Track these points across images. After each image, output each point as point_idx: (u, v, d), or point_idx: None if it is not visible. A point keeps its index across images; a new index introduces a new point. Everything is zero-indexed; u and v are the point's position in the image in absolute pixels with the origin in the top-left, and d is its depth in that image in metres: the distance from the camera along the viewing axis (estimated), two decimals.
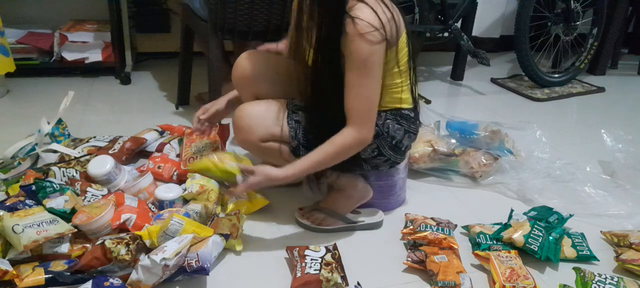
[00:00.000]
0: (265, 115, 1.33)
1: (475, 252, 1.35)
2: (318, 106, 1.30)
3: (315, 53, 1.24)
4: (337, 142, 1.22)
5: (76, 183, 1.42)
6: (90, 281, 1.07)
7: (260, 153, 1.41)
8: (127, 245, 1.14)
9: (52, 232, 1.15)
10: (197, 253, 1.17)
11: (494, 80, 2.95)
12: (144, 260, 1.10)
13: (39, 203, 1.29)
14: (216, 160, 1.24)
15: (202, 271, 1.16)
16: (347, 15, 1.15)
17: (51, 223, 1.18)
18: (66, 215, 1.25)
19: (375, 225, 1.47)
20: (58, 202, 1.27)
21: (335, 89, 1.23)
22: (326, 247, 1.29)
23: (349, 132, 1.22)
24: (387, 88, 1.28)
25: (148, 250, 1.18)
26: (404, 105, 1.34)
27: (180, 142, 1.72)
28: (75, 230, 1.21)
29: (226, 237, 1.27)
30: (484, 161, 1.75)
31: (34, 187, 1.33)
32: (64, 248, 1.19)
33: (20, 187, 1.36)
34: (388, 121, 1.32)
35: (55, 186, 1.35)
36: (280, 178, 1.22)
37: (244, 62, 1.44)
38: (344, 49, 1.18)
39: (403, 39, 1.25)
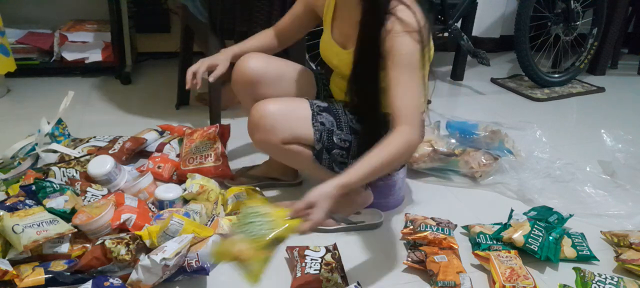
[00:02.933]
0: (290, 115, 1.26)
1: (475, 252, 1.35)
2: (363, 107, 1.27)
3: (357, 52, 1.22)
4: (393, 145, 1.09)
5: (76, 183, 1.42)
6: (90, 281, 1.07)
7: (279, 156, 1.36)
8: (127, 245, 1.14)
9: (52, 232, 1.15)
10: (197, 253, 1.17)
11: (494, 80, 2.95)
12: (144, 260, 1.10)
13: (39, 203, 1.29)
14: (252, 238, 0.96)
15: (202, 271, 1.16)
16: (391, 15, 1.15)
17: (51, 223, 1.18)
18: (66, 215, 1.25)
19: (375, 225, 1.47)
20: (58, 202, 1.27)
21: (377, 90, 1.20)
22: (326, 247, 1.29)
23: (404, 133, 1.11)
24: None
25: (148, 250, 1.18)
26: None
27: (180, 142, 1.72)
28: (75, 230, 1.21)
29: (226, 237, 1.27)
30: (484, 161, 1.75)
31: (34, 187, 1.33)
32: (64, 248, 1.19)
33: (20, 187, 1.36)
34: None
35: (55, 186, 1.35)
36: (338, 193, 1.04)
37: (244, 64, 1.39)
38: (388, 48, 1.15)
39: (430, 44, 1.25)
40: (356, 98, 1.29)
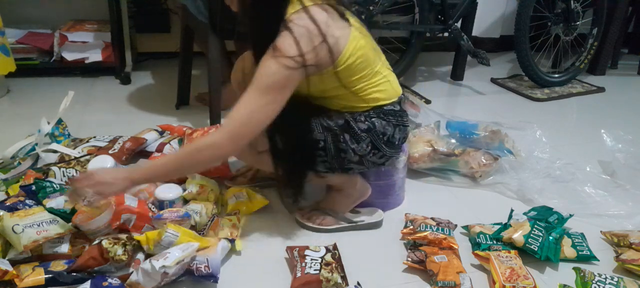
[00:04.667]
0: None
1: (475, 252, 1.35)
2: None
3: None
4: (193, 144, 1.17)
5: None
6: (89, 281, 1.07)
7: (259, 164, 1.40)
8: (124, 245, 1.14)
9: (52, 232, 1.16)
10: (206, 258, 1.17)
11: (494, 80, 2.95)
12: (145, 263, 1.10)
13: (39, 203, 1.29)
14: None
15: (211, 278, 1.16)
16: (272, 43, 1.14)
17: (51, 223, 1.18)
18: (66, 215, 1.25)
19: (375, 225, 1.47)
20: (58, 202, 1.27)
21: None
22: (326, 247, 1.28)
23: (211, 134, 1.16)
24: (351, 93, 1.27)
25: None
26: (383, 102, 1.31)
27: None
28: (75, 230, 1.21)
29: (232, 241, 1.27)
30: (484, 161, 1.75)
31: (34, 187, 1.33)
32: (64, 248, 1.19)
33: (20, 187, 1.36)
34: (373, 119, 1.30)
35: (55, 186, 1.35)
36: (124, 178, 1.15)
37: (243, 63, 1.43)
38: None
39: (348, 51, 1.20)
40: None
